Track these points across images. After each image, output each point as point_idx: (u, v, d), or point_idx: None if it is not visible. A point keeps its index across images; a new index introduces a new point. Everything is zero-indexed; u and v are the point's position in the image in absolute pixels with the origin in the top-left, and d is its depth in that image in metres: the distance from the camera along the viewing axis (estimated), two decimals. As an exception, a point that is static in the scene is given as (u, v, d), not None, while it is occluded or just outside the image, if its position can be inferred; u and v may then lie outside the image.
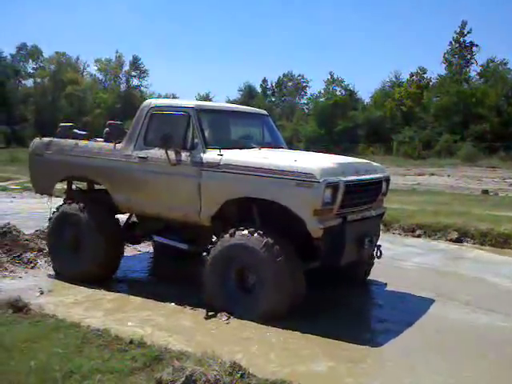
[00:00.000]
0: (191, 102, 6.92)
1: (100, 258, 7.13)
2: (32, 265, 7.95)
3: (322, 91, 59.55)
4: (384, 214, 7.12)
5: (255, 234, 5.76)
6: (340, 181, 5.69)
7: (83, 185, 8.41)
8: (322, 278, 6.61)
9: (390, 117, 50.94)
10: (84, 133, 8.30)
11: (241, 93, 67.76)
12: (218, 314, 5.90)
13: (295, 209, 5.70)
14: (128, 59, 70.54)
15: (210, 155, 6.26)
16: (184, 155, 6.40)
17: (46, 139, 7.97)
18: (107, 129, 7.82)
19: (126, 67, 70.77)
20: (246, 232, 5.85)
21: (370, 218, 6.50)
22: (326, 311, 6.32)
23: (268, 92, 71.01)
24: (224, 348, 4.89)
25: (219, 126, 7.08)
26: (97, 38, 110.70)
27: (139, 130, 6.92)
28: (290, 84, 71.51)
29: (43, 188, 8.13)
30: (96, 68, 72.45)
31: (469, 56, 52.37)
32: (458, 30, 52.09)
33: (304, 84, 71.09)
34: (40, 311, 5.69)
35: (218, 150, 6.25)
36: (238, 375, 4.07)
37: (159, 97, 75.32)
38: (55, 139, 7.93)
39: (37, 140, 8.12)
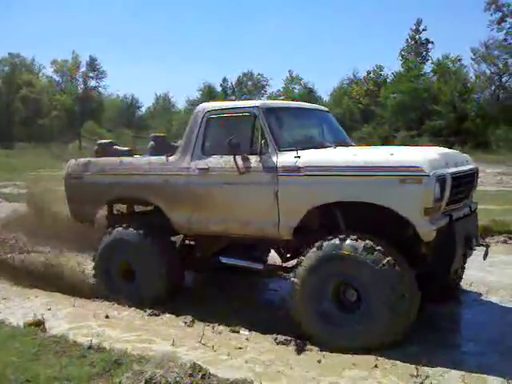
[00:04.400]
0: (254, 102, 6.17)
1: (161, 285, 6.40)
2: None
3: (282, 90, 59.90)
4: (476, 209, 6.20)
5: (365, 245, 4.91)
6: (447, 173, 4.98)
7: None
8: None
9: (348, 114, 51.59)
10: (126, 149, 7.65)
11: (200, 92, 67.45)
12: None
13: (400, 209, 4.89)
14: (85, 60, 69.41)
15: (286, 158, 5.48)
16: (254, 161, 5.63)
17: (83, 160, 7.22)
18: (152, 142, 7.30)
19: (83, 68, 69.60)
20: (351, 242, 4.98)
21: (469, 214, 5.73)
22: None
23: (228, 91, 70.89)
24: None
25: (288, 125, 6.26)
26: (52, 39, 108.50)
27: (195, 138, 6.14)
28: (250, 83, 71.55)
29: (84, 215, 7.20)
30: (52, 69, 71.01)
31: (424, 53, 53.47)
32: (414, 28, 53.21)
33: (264, 83, 71.29)
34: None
35: (295, 152, 5.46)
36: (199, 376, 4.06)
37: (117, 98, 74.82)
38: (94, 159, 7.23)
39: (72, 161, 7.31)
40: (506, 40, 43.88)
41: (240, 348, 5.15)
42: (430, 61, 52.34)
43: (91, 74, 69.89)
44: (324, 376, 4.50)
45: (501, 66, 45.30)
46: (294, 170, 5.37)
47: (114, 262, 6.70)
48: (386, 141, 44.26)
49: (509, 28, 43.39)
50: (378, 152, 5.53)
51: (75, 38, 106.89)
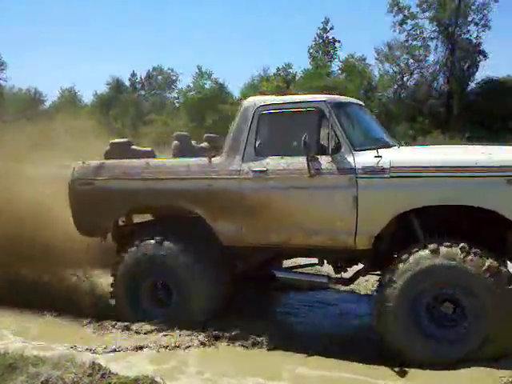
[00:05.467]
0: (319, 96, 5.52)
1: (210, 306, 5.56)
2: None
3: (192, 85, 59.62)
4: None
5: (469, 252, 4.54)
6: None
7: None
8: None
9: (259, 110, 52.15)
10: (148, 149, 6.78)
11: (108, 86, 65.86)
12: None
13: (507, 212, 4.51)
14: (-17, 51, 65.66)
15: (365, 158, 4.97)
16: (324, 162, 5.08)
17: (94, 162, 6.12)
18: (175, 141, 6.59)
19: (-18, 59, 65.71)
20: (454, 249, 4.57)
21: None
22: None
23: (137, 86, 69.67)
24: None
25: (355, 121, 5.73)
26: None
27: (246, 136, 5.47)
28: (159, 77, 70.68)
29: (95, 228, 6.13)
30: None
31: (332, 51, 55.03)
32: (322, 27, 54.61)
33: (174, 78, 70.65)
34: None
35: (374, 151, 4.95)
36: (99, 375, 4.02)
37: (20, 91, 71.27)
38: (109, 161, 6.15)
39: (79, 165, 6.16)
40: (407, 41, 46.01)
41: (141, 346, 5.12)
42: (338, 59, 54.01)
43: (-10, 65, 66.21)
44: (222, 376, 4.50)
45: (402, 65, 47.48)
46: (378, 171, 4.88)
47: (143, 283, 5.81)
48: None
49: (410, 30, 45.49)
50: (471, 151, 5.22)
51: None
